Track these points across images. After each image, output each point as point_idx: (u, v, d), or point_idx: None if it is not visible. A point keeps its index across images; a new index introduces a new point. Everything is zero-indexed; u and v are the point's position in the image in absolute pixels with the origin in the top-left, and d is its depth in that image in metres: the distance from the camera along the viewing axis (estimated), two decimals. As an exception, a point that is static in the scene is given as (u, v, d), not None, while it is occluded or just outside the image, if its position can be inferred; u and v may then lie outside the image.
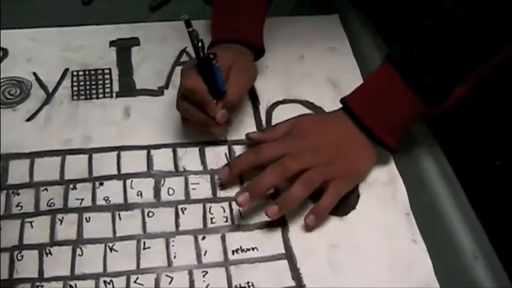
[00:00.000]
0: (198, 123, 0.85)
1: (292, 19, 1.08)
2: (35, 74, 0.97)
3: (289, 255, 0.76)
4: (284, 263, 0.75)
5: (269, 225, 0.78)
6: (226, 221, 0.79)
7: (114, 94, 0.95)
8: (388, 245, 0.77)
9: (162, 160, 0.85)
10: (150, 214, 0.79)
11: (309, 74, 0.98)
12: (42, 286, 0.72)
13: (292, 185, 0.77)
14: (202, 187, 0.82)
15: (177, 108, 0.85)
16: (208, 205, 0.80)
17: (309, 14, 1.09)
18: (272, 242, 0.77)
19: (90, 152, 0.86)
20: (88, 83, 0.96)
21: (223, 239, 0.77)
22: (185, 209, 0.80)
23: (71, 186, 0.82)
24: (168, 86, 0.96)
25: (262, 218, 0.78)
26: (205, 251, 0.76)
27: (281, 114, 0.88)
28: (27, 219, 0.78)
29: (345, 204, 0.81)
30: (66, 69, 0.98)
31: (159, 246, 0.76)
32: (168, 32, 1.04)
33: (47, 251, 0.75)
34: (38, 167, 0.84)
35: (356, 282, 0.74)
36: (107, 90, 0.95)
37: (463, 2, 0.73)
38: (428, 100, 0.78)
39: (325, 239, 0.78)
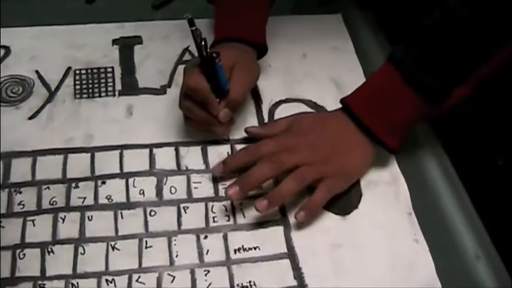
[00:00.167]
0: (201, 122, 0.85)
1: (295, 18, 1.07)
2: (37, 72, 0.97)
3: (291, 254, 0.76)
4: (286, 262, 0.75)
5: (271, 225, 0.78)
6: (228, 220, 0.79)
7: (116, 92, 0.94)
8: (390, 245, 0.77)
9: (165, 159, 0.85)
10: (152, 213, 0.79)
11: (312, 73, 0.98)
12: (44, 285, 0.72)
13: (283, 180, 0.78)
14: (204, 186, 0.82)
15: (180, 107, 0.85)
16: (210, 204, 0.80)
17: (309, 12, 1.09)
18: (274, 241, 0.77)
19: (92, 150, 0.86)
20: (90, 81, 0.96)
21: (225, 238, 0.77)
22: (187, 207, 0.80)
23: (73, 184, 0.82)
24: (170, 84, 0.96)
25: (264, 217, 0.79)
26: (207, 250, 0.76)
27: (283, 113, 0.88)
28: (29, 218, 0.78)
29: (348, 204, 0.81)
30: (69, 68, 0.98)
31: (161, 245, 0.76)
32: (170, 30, 1.04)
33: (49, 250, 0.75)
34: (40, 166, 0.84)
35: (358, 282, 0.74)
36: (110, 88, 0.95)
37: (466, 2, 0.73)
38: (430, 100, 0.78)
39: (327, 239, 0.78)
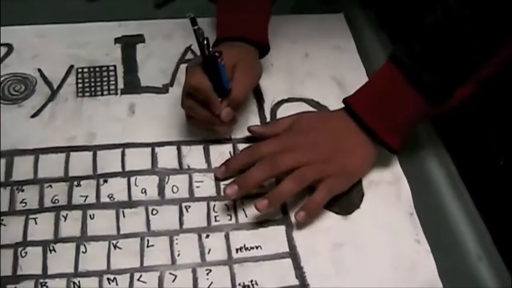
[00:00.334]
0: (203, 121, 0.85)
1: (298, 17, 1.07)
2: (40, 70, 0.97)
3: (293, 253, 0.76)
4: (288, 261, 0.75)
5: (273, 224, 0.78)
6: (230, 219, 0.79)
7: (118, 91, 0.94)
8: (392, 245, 0.77)
9: (167, 158, 0.85)
10: (154, 212, 0.79)
11: (314, 73, 0.98)
12: (45, 283, 0.72)
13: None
14: (206, 185, 0.82)
15: (182, 106, 0.85)
16: (212, 203, 0.80)
17: (310, 11, 1.09)
18: (276, 240, 0.77)
19: (94, 149, 0.86)
20: (93, 80, 0.96)
21: (227, 237, 0.77)
22: (189, 206, 0.80)
23: (75, 183, 0.82)
24: (172, 83, 0.96)
25: (266, 216, 0.79)
26: (209, 249, 0.76)
27: (286, 113, 0.88)
28: (31, 216, 0.78)
29: (349, 203, 0.81)
30: (71, 66, 0.98)
31: (163, 244, 0.76)
32: (173, 29, 1.04)
33: (51, 248, 0.75)
34: (43, 164, 0.84)
35: (359, 282, 0.74)
36: (112, 87, 0.95)
37: (466, 2, 0.73)
38: (431, 99, 0.78)
39: (329, 238, 0.78)
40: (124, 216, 0.79)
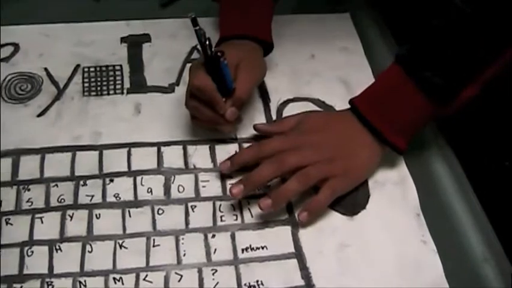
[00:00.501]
0: (208, 121, 0.85)
1: (304, 17, 1.07)
2: (46, 69, 0.97)
3: (298, 254, 0.76)
4: (293, 262, 0.75)
5: (279, 224, 0.78)
6: (236, 219, 0.79)
7: (124, 90, 0.95)
8: (397, 246, 0.77)
9: (173, 157, 0.85)
10: (160, 211, 0.79)
11: (320, 73, 0.98)
12: (51, 282, 0.72)
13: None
14: (212, 185, 0.82)
15: (186, 107, 0.85)
16: (218, 203, 0.80)
17: (316, 11, 1.09)
18: (282, 240, 0.77)
19: (100, 148, 0.86)
20: (99, 79, 0.96)
21: (232, 237, 0.77)
22: (195, 206, 0.80)
23: (81, 182, 0.82)
24: (179, 83, 0.96)
25: (272, 216, 0.79)
26: (215, 249, 0.76)
27: (292, 112, 0.87)
28: (37, 215, 0.78)
29: (355, 204, 0.81)
30: (77, 65, 0.98)
31: (168, 243, 0.76)
32: (179, 28, 1.04)
33: (57, 247, 0.75)
34: (49, 163, 0.84)
35: (365, 282, 0.74)
36: (118, 86, 0.95)
37: (472, 2, 0.73)
38: (437, 100, 0.78)
39: (334, 239, 0.78)
40: (130, 215, 0.79)
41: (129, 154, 0.85)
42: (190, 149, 0.86)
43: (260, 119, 0.91)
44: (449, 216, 0.80)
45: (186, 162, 0.85)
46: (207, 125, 0.86)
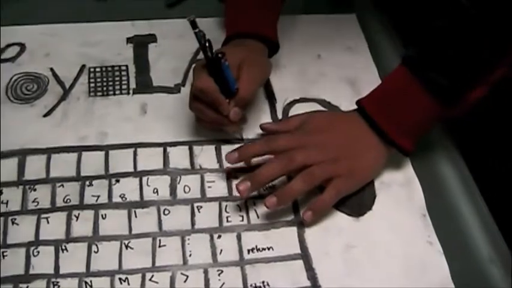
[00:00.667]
0: (212, 123, 0.85)
1: (310, 18, 1.07)
2: (52, 69, 0.97)
3: (304, 255, 0.76)
4: (299, 263, 0.75)
5: (285, 225, 0.78)
6: (242, 219, 0.79)
7: (130, 91, 0.95)
8: (403, 246, 0.77)
9: (178, 157, 0.85)
10: (166, 212, 0.79)
11: (326, 74, 0.98)
12: (57, 282, 0.72)
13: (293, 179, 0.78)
14: (218, 185, 0.82)
15: (190, 109, 0.85)
16: (224, 203, 0.80)
17: (322, 11, 1.08)
18: (288, 241, 0.77)
19: (106, 148, 0.86)
20: (105, 79, 0.96)
21: (238, 238, 0.77)
22: (201, 207, 0.80)
23: (87, 182, 0.82)
24: (184, 83, 0.96)
25: (278, 217, 0.79)
26: (221, 250, 0.76)
27: (298, 113, 0.87)
28: (43, 215, 0.78)
29: (361, 205, 0.81)
30: (83, 66, 0.98)
31: (174, 244, 0.76)
32: (185, 29, 1.02)
33: (63, 247, 0.75)
34: (55, 163, 0.84)
35: (371, 283, 0.74)
36: (124, 86, 0.95)
37: (478, 3, 0.73)
38: (444, 101, 0.78)
39: (340, 240, 0.77)
40: (136, 216, 0.79)
41: (135, 154, 0.85)
42: (196, 149, 0.86)
43: (266, 119, 0.91)
44: (455, 217, 0.80)
45: (192, 163, 0.85)
46: (212, 126, 0.86)
